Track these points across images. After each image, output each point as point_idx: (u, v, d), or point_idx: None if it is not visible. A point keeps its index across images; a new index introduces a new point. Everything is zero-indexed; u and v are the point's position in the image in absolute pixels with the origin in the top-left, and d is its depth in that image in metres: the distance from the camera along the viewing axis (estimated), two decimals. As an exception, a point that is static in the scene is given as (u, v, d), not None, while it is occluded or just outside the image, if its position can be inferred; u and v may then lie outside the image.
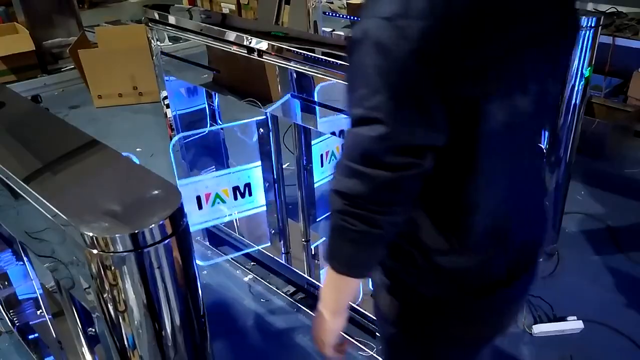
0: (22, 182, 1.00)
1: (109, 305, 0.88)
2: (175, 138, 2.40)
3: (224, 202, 2.30)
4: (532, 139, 1.04)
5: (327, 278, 0.98)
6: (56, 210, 0.89)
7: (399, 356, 1.23)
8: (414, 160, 0.82)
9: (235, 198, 2.31)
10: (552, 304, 2.32)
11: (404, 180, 0.84)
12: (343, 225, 0.87)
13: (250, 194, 2.33)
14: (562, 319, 2.26)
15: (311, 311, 2.31)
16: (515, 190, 1.01)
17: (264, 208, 2.45)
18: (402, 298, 1.07)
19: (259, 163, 2.33)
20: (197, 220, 2.30)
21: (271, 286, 2.47)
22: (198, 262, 2.51)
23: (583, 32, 2.13)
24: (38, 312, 2.00)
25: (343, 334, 1.12)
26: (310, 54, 1.73)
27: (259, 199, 2.38)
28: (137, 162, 1.12)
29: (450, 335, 1.10)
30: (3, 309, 2.02)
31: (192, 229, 2.38)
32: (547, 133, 2.35)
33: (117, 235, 0.79)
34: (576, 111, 2.31)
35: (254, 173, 2.32)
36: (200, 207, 2.26)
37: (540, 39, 0.89)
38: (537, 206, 1.13)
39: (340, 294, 1.00)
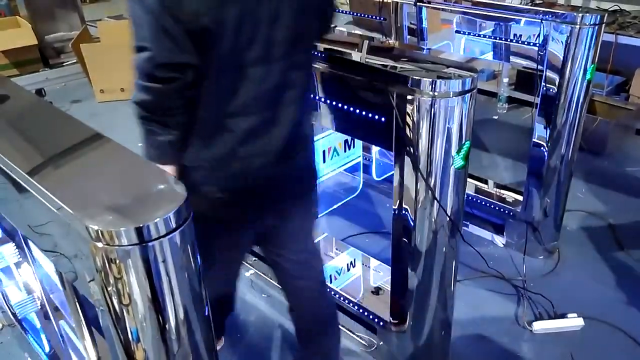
0: (26, 175, 1.00)
1: (113, 298, 0.88)
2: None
3: None
4: (279, 68, 1.35)
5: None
6: (61, 203, 0.89)
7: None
8: (176, 75, 1.24)
9: None
10: (552, 301, 2.33)
11: (173, 89, 1.25)
12: (143, 126, 1.29)
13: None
14: (563, 316, 2.27)
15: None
16: (271, 103, 1.38)
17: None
18: (191, 181, 1.40)
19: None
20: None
21: (272, 281, 2.47)
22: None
23: (585, 29, 2.14)
24: (39, 305, 2.01)
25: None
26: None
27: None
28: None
29: (219, 214, 1.44)
30: (5, 302, 2.02)
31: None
32: (548, 130, 2.35)
33: (122, 228, 0.79)
34: (578, 109, 2.31)
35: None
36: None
37: None
38: (297, 122, 1.46)
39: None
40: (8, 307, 2.03)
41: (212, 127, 1.36)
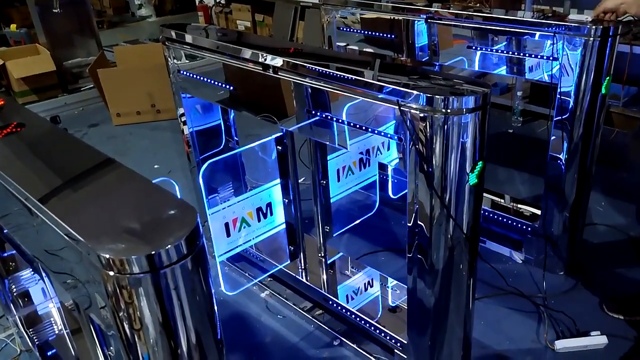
0: (39, 203, 1.01)
1: (124, 324, 0.88)
2: (205, 165, 2.33)
3: (249, 225, 2.27)
4: None
5: None
6: (72, 231, 0.89)
7: None
8: None
9: (259, 220, 2.29)
10: (574, 319, 2.28)
11: None
12: None
13: (271, 214, 2.32)
14: (586, 334, 2.21)
15: (327, 327, 2.29)
16: None
17: (284, 226, 2.45)
18: None
19: (278, 181, 2.32)
20: (226, 248, 2.25)
21: (288, 302, 2.46)
22: (225, 291, 2.49)
23: (599, 41, 2.11)
24: (57, 330, 2.02)
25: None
26: (325, 69, 1.74)
27: (279, 218, 2.38)
28: (175, 185, 1.13)
29: None
30: (23, 327, 2.03)
31: (220, 259, 2.29)
32: (565, 143, 2.32)
33: (133, 256, 0.79)
34: (594, 121, 2.28)
35: (274, 191, 2.31)
36: (228, 234, 2.22)
37: None
38: None
39: None
40: (26, 332, 2.03)
41: None
